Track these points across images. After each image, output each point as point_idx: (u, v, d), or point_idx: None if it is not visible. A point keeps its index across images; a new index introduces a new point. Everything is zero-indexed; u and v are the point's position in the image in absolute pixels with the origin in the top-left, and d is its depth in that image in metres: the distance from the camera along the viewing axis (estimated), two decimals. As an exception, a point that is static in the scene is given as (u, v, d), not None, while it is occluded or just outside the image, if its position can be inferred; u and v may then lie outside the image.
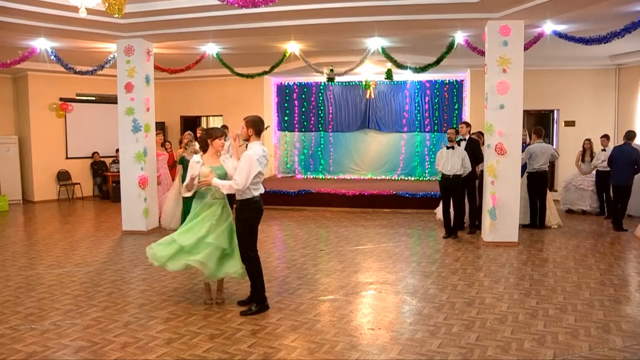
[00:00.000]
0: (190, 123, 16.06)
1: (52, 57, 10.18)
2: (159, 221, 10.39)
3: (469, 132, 9.76)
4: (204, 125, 17.26)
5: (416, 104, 16.00)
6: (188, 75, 13.36)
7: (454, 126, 12.59)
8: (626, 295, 6.15)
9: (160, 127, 14.39)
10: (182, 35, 9.77)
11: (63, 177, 14.71)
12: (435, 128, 15.81)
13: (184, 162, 8.51)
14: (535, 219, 10.02)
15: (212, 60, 11.48)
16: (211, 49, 11.10)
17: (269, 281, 6.68)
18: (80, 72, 10.88)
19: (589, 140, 11.82)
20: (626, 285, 6.62)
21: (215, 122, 16.82)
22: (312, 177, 16.47)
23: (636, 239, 9.05)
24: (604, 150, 11.31)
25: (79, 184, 14.96)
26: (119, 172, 10.53)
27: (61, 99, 14.49)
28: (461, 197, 9.45)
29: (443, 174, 9.35)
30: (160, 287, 6.43)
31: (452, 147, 9.21)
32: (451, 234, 9.35)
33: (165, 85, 15.81)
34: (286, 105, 16.80)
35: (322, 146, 16.66)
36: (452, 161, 9.16)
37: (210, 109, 16.49)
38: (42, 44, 9.92)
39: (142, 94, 9.97)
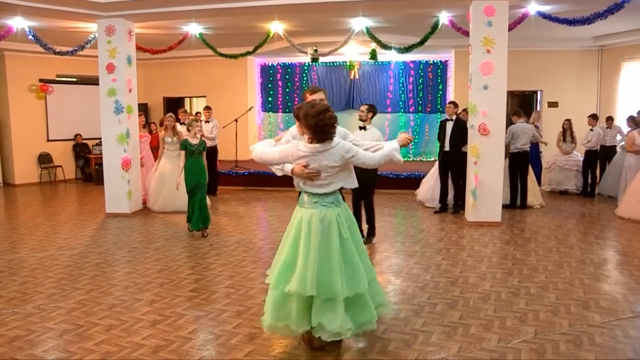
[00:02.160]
0: (173, 104, 15.88)
1: (30, 36, 9.98)
2: (143, 203, 10.36)
3: (457, 112, 9.75)
4: (187, 106, 17.12)
5: (400, 85, 15.99)
6: (171, 55, 13.18)
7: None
8: (605, 273, 6.26)
9: (143, 108, 14.23)
10: (164, 14, 9.62)
11: (44, 159, 14.52)
12: (420, 109, 15.83)
13: (187, 146, 8.07)
14: (516, 199, 10.12)
15: (195, 41, 11.34)
16: (194, 29, 10.96)
17: (253, 262, 6.71)
18: (60, 53, 10.69)
19: (568, 120, 11.92)
20: (605, 263, 6.73)
21: (199, 103, 16.70)
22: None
23: (617, 219, 9.19)
24: (591, 130, 11.42)
25: (60, 166, 14.78)
26: (101, 154, 10.42)
27: (41, 80, 14.24)
28: (460, 173, 9.54)
29: (444, 150, 9.57)
30: (145, 270, 6.41)
31: (452, 120, 9.44)
32: (444, 209, 9.63)
33: (148, 66, 15.61)
34: (270, 85, 16.70)
35: (306, 127, 16.57)
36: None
37: (194, 90, 16.35)
38: (19, 23, 9.70)
39: (124, 75, 9.83)
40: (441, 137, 9.75)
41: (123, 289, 5.73)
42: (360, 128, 7.43)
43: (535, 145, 11.47)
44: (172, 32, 11.22)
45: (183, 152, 8.10)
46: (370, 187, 7.42)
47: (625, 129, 11.41)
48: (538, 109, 13.34)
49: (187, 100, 17.29)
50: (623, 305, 5.14)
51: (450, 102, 9.95)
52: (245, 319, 4.84)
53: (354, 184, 4.19)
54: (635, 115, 10.47)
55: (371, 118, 7.38)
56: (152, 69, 15.83)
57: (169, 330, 4.61)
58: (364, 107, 7.44)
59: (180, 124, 10.74)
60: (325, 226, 3.93)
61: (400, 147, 4.16)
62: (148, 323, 4.76)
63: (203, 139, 8.45)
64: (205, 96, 16.12)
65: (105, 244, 7.81)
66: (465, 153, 9.39)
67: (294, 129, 4.45)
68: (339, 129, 4.18)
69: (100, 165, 11.44)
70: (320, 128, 3.86)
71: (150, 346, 4.28)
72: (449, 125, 9.53)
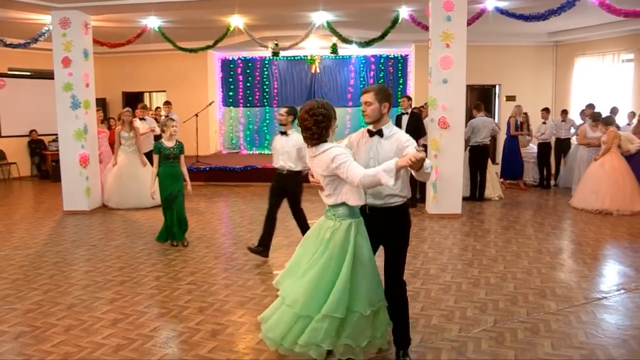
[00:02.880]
0: (132, 99, 15.60)
1: (-20, 28, 9.66)
2: (102, 200, 10.16)
3: (410, 105, 9.83)
4: (146, 101, 16.85)
5: (361, 79, 16.08)
6: (129, 49, 12.94)
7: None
8: (560, 262, 6.45)
9: (101, 103, 13.91)
10: (121, 7, 9.42)
11: (-3, 156, 14.09)
12: (381, 102, 15.91)
13: (161, 150, 7.08)
14: (475, 192, 10.32)
15: (154, 34, 11.16)
16: (153, 22, 10.78)
17: (216, 258, 6.67)
18: (12, 45, 10.37)
19: (525, 114, 12.20)
20: (561, 252, 6.93)
21: (159, 98, 16.45)
22: (257, 152, 16.39)
23: (572, 209, 9.46)
24: (544, 123, 11.72)
25: (15, 163, 14.34)
26: (58, 150, 10.17)
27: (-8, 74, 13.80)
28: None
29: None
30: (105, 268, 6.30)
31: (407, 113, 9.53)
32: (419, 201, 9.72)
33: (106, 60, 15.25)
34: (230, 80, 16.56)
35: (267, 121, 16.55)
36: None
37: (153, 85, 16.08)
38: (-33, 15, 9.38)
39: (80, 69, 9.59)
40: None
41: (82, 288, 5.62)
42: (282, 133, 6.58)
43: (514, 140, 11.69)
44: (131, 26, 11.01)
45: (157, 157, 7.05)
46: (293, 193, 6.60)
47: (579, 122, 11.80)
48: (516, 106, 13.21)
49: (146, 95, 17.02)
50: (577, 292, 5.32)
51: (404, 96, 9.99)
52: (208, 315, 4.80)
53: (359, 200, 3.58)
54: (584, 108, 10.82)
55: (292, 122, 6.48)
56: (110, 63, 15.49)
57: (130, 328, 4.54)
58: (283, 110, 6.56)
59: (140, 119, 10.55)
60: (337, 240, 3.56)
61: (399, 169, 3.26)
62: (109, 322, 4.68)
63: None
64: (165, 91, 15.88)
65: (63, 242, 7.63)
66: (425, 146, 9.52)
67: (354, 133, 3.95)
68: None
69: (57, 161, 11.15)
70: (301, 128, 3.59)
71: (111, 345, 4.21)
72: (405, 119, 9.58)
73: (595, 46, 13.30)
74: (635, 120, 10.81)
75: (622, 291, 5.38)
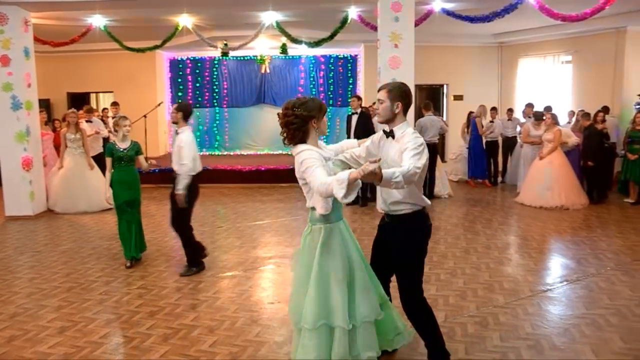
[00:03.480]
0: (78, 100, 15.14)
1: None
2: (48, 205, 9.83)
3: (360, 105, 9.89)
4: (93, 102, 16.40)
5: (311, 79, 16.13)
6: (74, 48, 12.53)
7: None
8: (508, 257, 6.64)
9: (45, 104, 13.45)
10: (63, 4, 9.15)
11: None
12: (330, 102, 16.02)
13: (114, 152, 6.34)
14: (425, 189, 10.46)
15: (100, 34, 10.87)
16: (98, 21, 10.49)
17: (167, 261, 6.56)
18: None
19: (471, 113, 12.49)
20: (508, 247, 7.14)
21: (106, 99, 16.02)
22: (207, 153, 16.19)
23: (518, 205, 9.75)
24: (492, 121, 12.04)
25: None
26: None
27: None
28: None
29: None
30: (51, 274, 6.09)
31: (357, 113, 9.58)
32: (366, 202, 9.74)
33: (49, 60, 14.73)
34: (180, 80, 16.31)
35: (217, 122, 16.40)
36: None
37: (100, 85, 15.63)
38: None
39: (21, 68, 9.25)
40: (348, 130, 9.87)
41: (26, 296, 5.42)
42: (177, 132, 6.18)
43: (480, 140, 11.91)
44: (75, 24, 10.69)
45: (109, 160, 6.30)
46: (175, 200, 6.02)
47: (523, 121, 12.20)
48: (480, 105, 13.26)
49: (93, 96, 16.53)
50: (523, 286, 5.49)
51: (354, 96, 10.04)
52: (159, 320, 4.72)
53: (322, 209, 3.35)
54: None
55: (183, 119, 6.02)
56: (54, 63, 14.97)
57: (78, 336, 4.41)
58: (174, 107, 6.16)
59: (86, 121, 10.26)
60: (306, 245, 3.46)
61: (351, 180, 2.92)
62: (55, 330, 4.53)
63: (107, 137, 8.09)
64: (112, 91, 15.46)
65: (5, 249, 7.33)
66: None
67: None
68: None
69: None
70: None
71: (59, 355, 4.09)
72: (354, 119, 9.66)
73: (537, 48, 13.79)
74: (574, 119, 11.24)
75: (565, 283, 5.58)
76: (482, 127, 11.90)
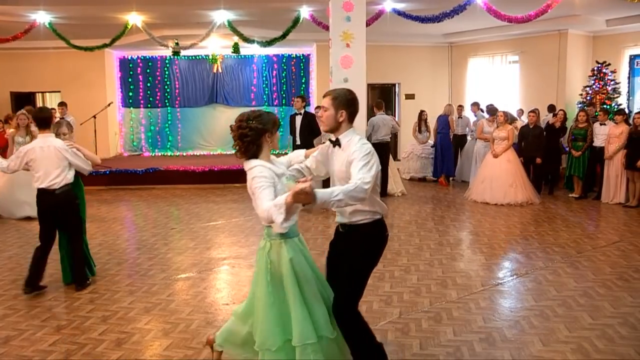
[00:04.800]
0: (23, 100, 14.62)
1: None
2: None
3: (304, 105, 9.77)
4: (39, 102, 15.88)
5: (264, 78, 16.08)
6: (18, 46, 12.13)
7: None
8: (460, 252, 6.79)
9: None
10: None
11: None
12: (284, 102, 16.02)
13: None
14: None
15: (46, 31, 10.53)
16: (42, 17, 10.17)
17: (118, 264, 6.42)
18: None
19: (423, 111, 12.71)
20: (460, 244, 7.30)
21: (53, 99, 15.53)
22: (160, 154, 15.95)
23: (469, 202, 9.97)
24: (460, 117, 12.38)
25: None
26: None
27: None
28: None
29: (296, 144, 9.69)
30: (-5, 281, 5.87)
31: (301, 114, 9.54)
32: None
33: (-10, 58, 14.23)
34: (130, 80, 15.97)
35: (169, 122, 16.14)
36: None
37: (46, 85, 15.11)
38: None
39: (-40, 67, 8.90)
40: (292, 131, 9.76)
41: (13, 297, 5.24)
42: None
43: (446, 136, 12.02)
44: (17, 20, 10.33)
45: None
46: (68, 213, 5.50)
47: (471, 115, 12.57)
48: (447, 105, 13.06)
49: (38, 96, 15.98)
50: (475, 280, 5.62)
51: (298, 96, 9.94)
52: (112, 324, 4.62)
53: (281, 228, 3.01)
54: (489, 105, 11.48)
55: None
56: (-5, 61, 14.44)
57: (25, 345, 4.27)
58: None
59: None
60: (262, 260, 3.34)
61: (288, 205, 2.86)
62: (0, 340, 4.37)
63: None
64: (59, 91, 14.98)
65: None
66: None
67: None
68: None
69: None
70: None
71: (5, 363, 3.95)
72: (298, 119, 9.57)
73: (486, 48, 14.15)
74: (524, 117, 11.59)
75: (515, 276, 5.75)
76: (455, 124, 12.15)
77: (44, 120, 5.60)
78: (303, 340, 3.18)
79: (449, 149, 12.08)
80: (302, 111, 9.64)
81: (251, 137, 3.22)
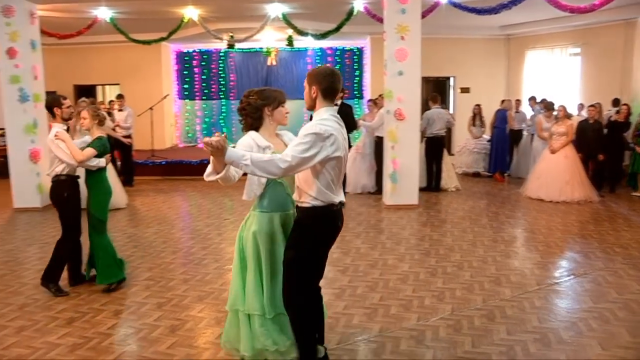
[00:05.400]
0: (84, 92, 15.15)
1: None
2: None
3: (342, 97, 9.37)
4: (99, 94, 16.44)
5: (318, 71, 16.07)
6: (81, 41, 12.55)
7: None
8: (514, 250, 6.63)
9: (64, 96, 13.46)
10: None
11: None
12: (338, 94, 15.97)
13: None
14: (431, 182, 10.47)
15: (106, 26, 10.87)
16: (103, 13, 10.49)
17: (173, 252, 6.58)
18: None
19: (478, 105, 12.45)
20: (515, 241, 7.13)
21: (112, 92, 16.04)
22: (215, 146, 16.21)
23: (525, 198, 9.71)
24: (517, 112, 12.14)
25: (-41, 159, 13.79)
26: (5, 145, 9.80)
27: None
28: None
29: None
30: (58, 266, 6.11)
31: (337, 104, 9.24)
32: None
33: (56, 52, 14.74)
34: (186, 72, 16.30)
35: (224, 114, 16.40)
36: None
37: (106, 78, 15.63)
38: None
39: (28, 60, 9.26)
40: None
41: (35, 287, 5.43)
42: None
43: (503, 131, 11.75)
44: (81, 16, 10.70)
45: (101, 161, 5.25)
46: (56, 207, 5.42)
47: (528, 110, 12.24)
48: (507, 100, 12.66)
49: (99, 88, 16.58)
50: (530, 279, 5.48)
51: None
52: (167, 311, 4.74)
53: (244, 194, 3.54)
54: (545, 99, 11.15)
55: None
56: (59, 55, 14.98)
57: (86, 327, 4.44)
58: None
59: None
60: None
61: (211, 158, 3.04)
62: (63, 321, 4.56)
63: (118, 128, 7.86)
64: (118, 84, 15.48)
65: (13, 240, 7.38)
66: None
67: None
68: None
69: (5, 157, 10.77)
70: None
71: (67, 345, 4.11)
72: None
73: (545, 40, 13.70)
74: (584, 112, 11.17)
75: (572, 277, 5.57)
76: (513, 119, 11.86)
77: (48, 109, 5.50)
78: (250, 310, 3.45)
79: (505, 143, 11.79)
80: (339, 102, 9.17)
81: (247, 111, 3.44)
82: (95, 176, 5.26)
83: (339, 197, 3.29)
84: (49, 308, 4.86)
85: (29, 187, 9.36)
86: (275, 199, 3.44)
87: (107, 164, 5.36)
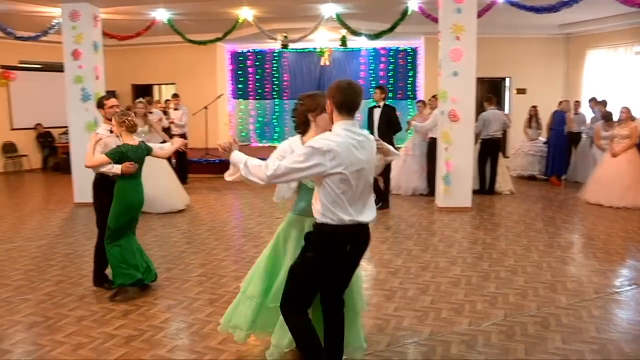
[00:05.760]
0: (142, 92, 15.65)
1: (-9, 21, 9.70)
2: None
3: (384, 97, 8.93)
4: (156, 94, 16.89)
5: (371, 71, 16.03)
6: (139, 42, 12.97)
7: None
8: (571, 256, 6.42)
9: (111, 96, 13.92)
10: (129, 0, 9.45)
11: (9, 149, 14.15)
12: (391, 95, 15.86)
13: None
14: (484, 185, 10.26)
15: (163, 27, 11.18)
16: (161, 14, 10.79)
17: (225, 250, 6.68)
18: (22, 38, 10.41)
19: (534, 107, 12.12)
20: (571, 247, 6.91)
21: (168, 90, 16.47)
22: (268, 145, 16.39)
23: (583, 203, 9.39)
24: (576, 114, 11.77)
25: (26, 156, 14.45)
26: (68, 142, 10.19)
27: (2, 67, 13.84)
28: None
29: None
30: (115, 260, 6.31)
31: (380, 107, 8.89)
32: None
33: (115, 53, 15.26)
34: (240, 72, 16.57)
35: (277, 114, 16.56)
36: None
37: (163, 77, 16.09)
38: (-22, 8, 9.43)
39: (90, 61, 9.62)
40: (370, 125, 8.74)
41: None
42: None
43: (561, 133, 11.38)
44: (140, 18, 11.04)
45: (115, 167, 5.01)
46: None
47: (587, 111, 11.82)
48: (565, 101, 12.13)
49: (156, 88, 17.06)
50: (588, 287, 5.28)
51: (377, 87, 9.14)
52: (218, 307, 4.82)
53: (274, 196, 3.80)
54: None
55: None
56: (119, 56, 15.49)
57: (140, 319, 4.57)
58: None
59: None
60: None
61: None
62: (119, 313, 4.71)
63: (172, 125, 7.82)
64: (174, 83, 15.89)
65: (74, 234, 7.68)
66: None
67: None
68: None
69: (68, 154, 11.21)
70: None
71: (122, 336, 4.24)
72: (377, 113, 8.75)
73: (608, 38, 13.16)
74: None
75: (634, 286, 5.33)
76: (572, 121, 11.49)
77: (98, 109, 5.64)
78: (248, 292, 3.67)
79: (563, 146, 11.41)
80: (382, 103, 8.82)
81: (295, 115, 3.55)
82: (117, 184, 5.09)
83: (353, 216, 3.09)
84: (106, 300, 5.02)
85: (89, 183, 9.60)
86: (310, 205, 3.32)
87: (124, 172, 5.01)
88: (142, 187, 5.24)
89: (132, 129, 5.12)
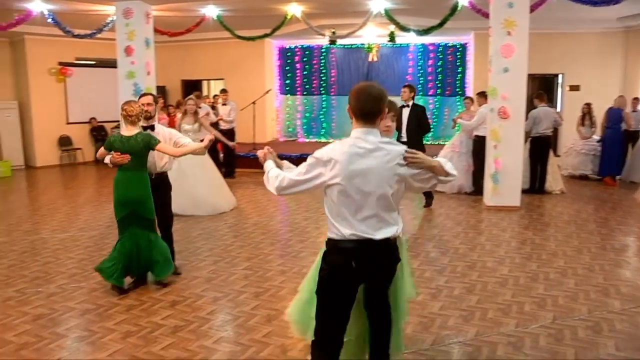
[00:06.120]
0: (191, 87, 15.94)
1: (50, 19, 10.05)
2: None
3: (413, 97, 8.49)
4: (204, 89, 17.16)
5: (419, 67, 15.83)
6: (188, 38, 13.19)
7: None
8: (626, 259, 6.20)
9: (161, 91, 14.30)
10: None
11: (64, 142, 14.67)
12: (439, 92, 15.68)
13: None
14: (534, 184, 10.00)
15: (213, 23, 11.34)
16: (211, 11, 10.95)
17: (271, 244, 6.74)
18: (79, 36, 10.75)
19: (587, 104, 11.71)
20: (626, 250, 6.66)
21: (217, 86, 16.71)
22: (315, 140, 16.42)
23: (639, 205, 9.05)
24: (634, 111, 11.38)
25: (80, 149, 14.94)
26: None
27: (60, 63, 14.35)
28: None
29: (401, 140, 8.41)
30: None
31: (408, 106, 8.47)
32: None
33: (166, 49, 15.59)
34: (288, 68, 16.64)
35: (324, 109, 16.57)
36: None
37: (211, 73, 16.34)
38: (38, 7, 9.79)
39: (142, 57, 9.87)
40: (399, 126, 8.17)
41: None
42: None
43: (616, 131, 11.02)
44: (190, 15, 11.23)
45: (106, 158, 5.27)
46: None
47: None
48: (620, 96, 11.75)
49: (204, 83, 17.34)
50: (644, 292, 5.09)
51: (405, 86, 8.62)
52: (263, 301, 4.88)
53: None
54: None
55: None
56: (169, 52, 15.82)
57: (187, 310, 4.67)
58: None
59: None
60: None
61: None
62: (167, 303, 4.82)
63: (221, 121, 7.86)
64: (222, 79, 16.12)
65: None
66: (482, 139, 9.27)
67: None
68: None
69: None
70: None
71: (169, 326, 4.34)
72: (405, 112, 8.31)
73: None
74: None
75: (692, 291, 5.12)
76: (631, 118, 11.09)
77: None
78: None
79: (619, 145, 11.00)
80: (410, 103, 8.39)
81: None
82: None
83: (355, 231, 2.85)
84: (155, 291, 5.15)
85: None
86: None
87: (112, 163, 5.04)
88: (135, 181, 5.01)
89: (127, 118, 5.05)
